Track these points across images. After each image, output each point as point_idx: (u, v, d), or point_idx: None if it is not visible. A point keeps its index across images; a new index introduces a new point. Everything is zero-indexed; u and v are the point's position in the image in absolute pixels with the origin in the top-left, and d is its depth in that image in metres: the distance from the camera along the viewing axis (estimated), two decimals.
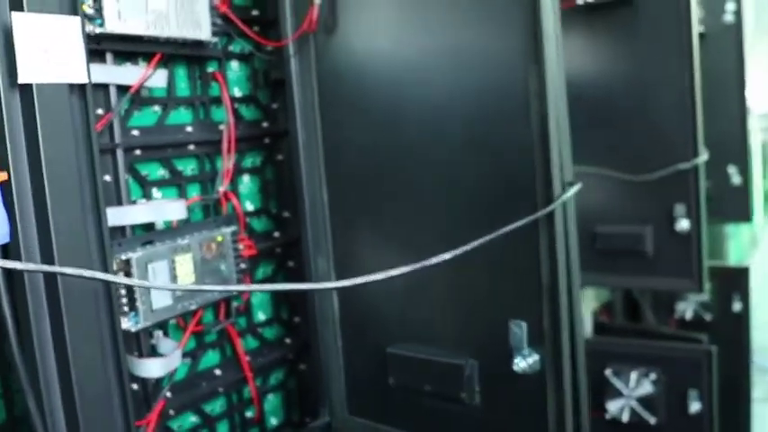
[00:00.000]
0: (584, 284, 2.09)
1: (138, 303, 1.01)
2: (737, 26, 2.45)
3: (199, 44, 1.13)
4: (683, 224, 1.86)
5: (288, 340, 1.35)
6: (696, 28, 1.77)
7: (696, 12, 1.78)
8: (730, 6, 2.43)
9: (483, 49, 1.00)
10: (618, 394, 2.05)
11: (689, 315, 2.67)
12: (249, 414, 1.29)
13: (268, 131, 1.30)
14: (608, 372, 2.04)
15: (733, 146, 2.52)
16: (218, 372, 1.22)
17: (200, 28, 1.10)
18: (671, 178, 1.85)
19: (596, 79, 1.86)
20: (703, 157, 1.84)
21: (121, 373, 0.87)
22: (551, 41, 0.93)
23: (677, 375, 2.00)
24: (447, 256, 0.87)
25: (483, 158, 1.01)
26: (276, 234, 1.33)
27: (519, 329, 0.99)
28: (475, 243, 0.90)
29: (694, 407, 1.98)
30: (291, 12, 1.17)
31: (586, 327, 2.17)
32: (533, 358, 1.00)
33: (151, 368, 1.05)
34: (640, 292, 2.43)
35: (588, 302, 2.20)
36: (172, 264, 1.06)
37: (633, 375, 2.02)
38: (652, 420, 2.01)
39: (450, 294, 1.08)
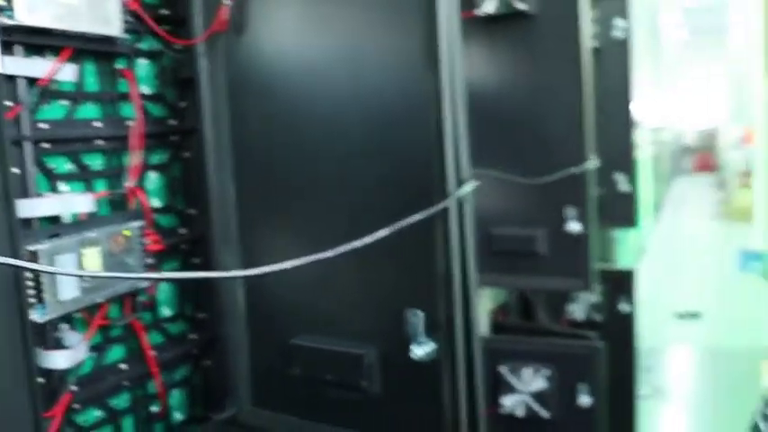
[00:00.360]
0: (480, 285, 2.18)
1: (46, 295, 1.03)
2: (626, 42, 2.61)
3: (109, 40, 1.15)
4: (574, 226, 1.97)
5: (192, 336, 1.38)
6: (588, 42, 1.89)
7: (588, 27, 1.90)
8: (620, 23, 2.58)
9: (383, 53, 1.06)
10: (512, 390, 2.14)
11: (580, 316, 2.81)
12: (154, 409, 1.31)
13: (175, 129, 1.33)
14: (503, 369, 2.14)
15: (620, 155, 2.67)
16: (123, 366, 1.24)
17: (111, 24, 1.13)
18: (563, 182, 1.97)
19: (495, 87, 1.95)
20: (592, 162, 1.96)
21: (30, 364, 0.89)
22: (448, 47, 1.00)
23: (568, 371, 2.11)
24: (329, 254, 0.92)
25: (384, 156, 1.07)
26: (182, 231, 1.36)
27: (416, 318, 1.06)
28: (366, 239, 0.96)
29: (584, 400, 2.09)
30: (201, 11, 1.21)
31: (483, 326, 2.26)
32: (430, 346, 1.07)
33: (57, 360, 1.07)
34: (534, 293, 2.54)
35: (485, 303, 2.30)
36: (79, 256, 1.08)
37: (527, 372, 2.12)
38: (545, 414, 2.12)
39: (351, 286, 1.14)
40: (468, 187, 1.04)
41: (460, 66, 1.05)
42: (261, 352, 1.27)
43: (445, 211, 1.01)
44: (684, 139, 7.38)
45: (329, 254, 0.95)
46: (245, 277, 1.25)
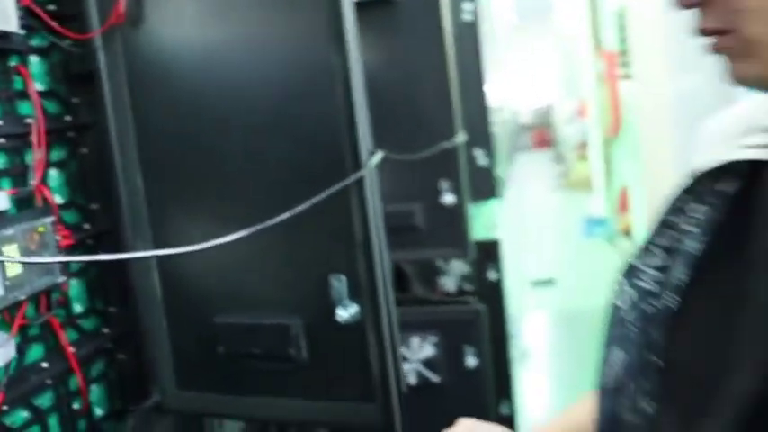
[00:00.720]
0: None
1: None
2: (474, 24, 2.78)
3: (5, 36, 1.16)
4: (449, 198, 2.11)
5: (105, 330, 1.40)
6: (449, 24, 2.03)
7: (448, 10, 2.03)
8: (467, 6, 2.74)
9: (285, 32, 1.14)
10: (403, 359, 2.25)
11: (451, 287, 2.97)
12: (76, 406, 1.33)
13: (71, 125, 1.35)
14: None
15: (478, 131, 2.84)
16: (44, 364, 1.25)
17: (9, 20, 1.14)
18: (436, 157, 2.09)
19: (370, 70, 2.04)
20: (462, 136, 2.10)
21: None
22: (351, 23, 1.09)
23: (453, 335, 2.25)
24: (244, 232, 1.00)
25: (293, 133, 1.15)
26: (86, 226, 1.37)
27: (339, 283, 1.14)
28: (282, 216, 1.04)
29: (471, 362, 2.24)
30: (96, 4, 1.23)
31: None
32: (354, 308, 1.15)
33: None
34: (408, 267, 2.67)
35: None
36: None
37: (414, 341, 2.24)
38: (435, 379, 2.25)
39: (272, 260, 1.20)
40: (378, 156, 1.13)
41: (357, 43, 1.13)
42: (183, 336, 1.31)
43: (360, 180, 1.10)
44: (521, 118, 7.77)
45: (243, 233, 1.02)
46: (161, 263, 1.29)
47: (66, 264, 1.30)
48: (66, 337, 1.30)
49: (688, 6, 0.68)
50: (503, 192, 3.38)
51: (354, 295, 1.15)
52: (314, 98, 1.13)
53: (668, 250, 0.76)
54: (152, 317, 1.32)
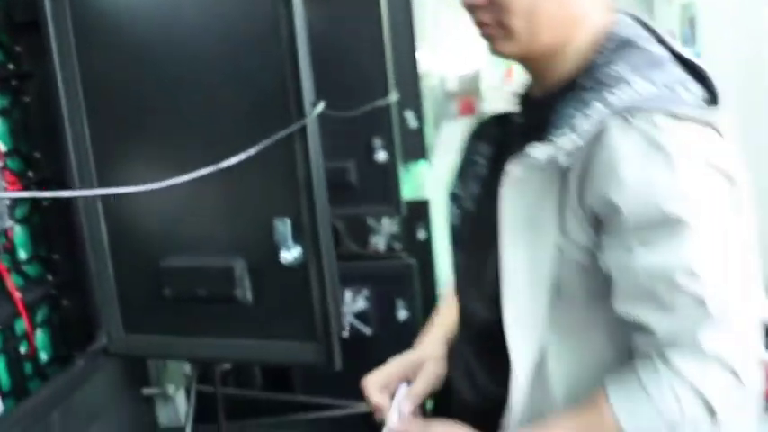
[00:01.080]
0: None
1: None
2: None
3: None
4: (381, 156, 2.19)
5: (49, 277, 1.44)
6: None
7: None
8: None
9: None
10: None
11: (382, 246, 3.06)
12: (23, 350, 1.37)
13: (14, 74, 1.38)
14: None
15: (409, 94, 2.91)
16: None
17: None
18: (369, 115, 2.17)
19: (310, 26, 2.10)
20: (394, 96, 2.18)
21: None
22: None
23: (385, 289, 2.34)
24: (186, 177, 1.07)
25: (240, 83, 1.20)
26: (30, 174, 1.41)
27: (283, 226, 1.21)
28: (226, 162, 1.12)
29: (402, 315, 2.33)
30: None
31: None
32: (297, 251, 1.22)
33: None
34: (340, 224, 2.74)
35: None
36: None
37: (348, 294, 2.32)
38: (368, 331, 2.34)
39: (218, 203, 1.27)
40: (320, 106, 1.20)
41: None
42: (128, 279, 1.36)
43: (304, 128, 1.17)
44: (448, 85, 7.86)
45: (186, 178, 1.09)
46: (107, 208, 1.33)
47: (12, 209, 1.34)
48: (12, 282, 1.34)
49: (469, 7, 1.06)
50: (431, 156, 3.48)
51: (298, 238, 1.22)
52: (260, 48, 1.19)
53: (475, 177, 1.21)
54: (98, 261, 1.36)
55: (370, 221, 3.03)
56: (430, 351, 1.29)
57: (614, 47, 1.03)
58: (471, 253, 1.19)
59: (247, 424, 1.44)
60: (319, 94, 2.19)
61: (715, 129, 0.98)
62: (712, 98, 1.01)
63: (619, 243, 0.97)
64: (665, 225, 0.93)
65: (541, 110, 1.06)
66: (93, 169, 1.33)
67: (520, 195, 1.03)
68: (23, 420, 1.18)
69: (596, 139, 0.96)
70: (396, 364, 1.30)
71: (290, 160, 1.20)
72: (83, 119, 1.32)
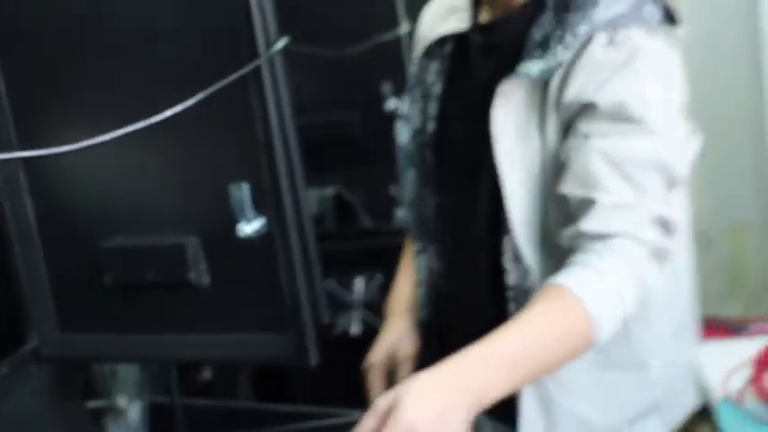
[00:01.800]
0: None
1: None
2: None
3: None
4: (391, 104, 2.28)
5: None
6: None
7: None
8: None
9: None
10: (344, 306, 2.45)
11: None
12: None
13: None
14: (330, 283, 2.44)
15: None
16: None
17: None
18: (375, 55, 2.26)
19: None
20: (405, 27, 2.26)
21: None
22: None
23: None
24: (122, 131, 1.17)
25: (185, 20, 1.30)
26: None
27: (240, 192, 1.31)
28: (166, 113, 1.22)
29: None
30: None
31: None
32: (259, 221, 1.32)
33: None
34: (352, 195, 2.84)
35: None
36: None
37: (359, 281, 2.43)
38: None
39: (162, 167, 1.38)
40: (280, 44, 1.29)
41: None
42: (63, 267, 1.47)
43: (257, 71, 1.26)
44: None
45: (116, 133, 1.19)
46: (32, 184, 1.44)
47: None
48: None
49: None
50: None
51: (259, 206, 1.31)
52: None
53: (423, 96, 1.72)
54: (26, 248, 1.48)
55: (394, 191, 3.11)
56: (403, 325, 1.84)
57: None
58: (458, 177, 1.67)
59: None
60: (308, 30, 2.30)
61: (675, 41, 1.47)
62: (668, 17, 1.48)
63: (580, 134, 1.41)
64: (626, 122, 1.38)
65: (503, 29, 1.58)
66: (13, 132, 1.43)
67: (510, 112, 1.47)
68: None
69: (580, 51, 1.42)
70: (389, 343, 1.80)
71: (245, 111, 1.29)
72: None
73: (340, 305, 2.47)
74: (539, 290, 1.38)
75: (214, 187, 1.33)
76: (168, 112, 1.19)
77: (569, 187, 1.41)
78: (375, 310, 2.43)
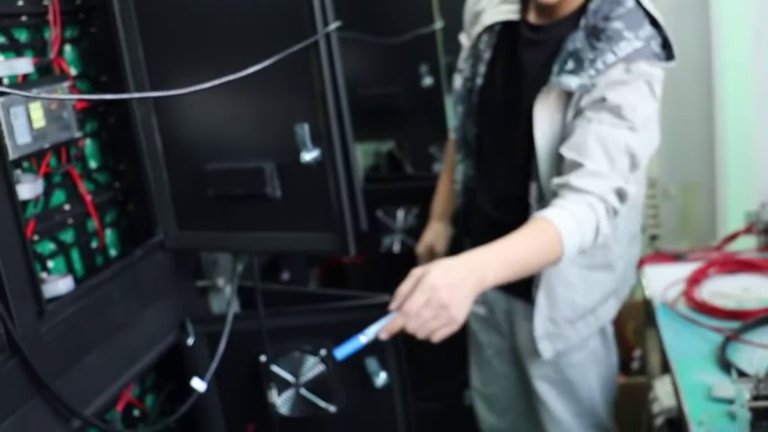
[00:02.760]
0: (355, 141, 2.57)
1: (7, 140, 1.33)
2: None
3: None
4: (427, 81, 2.37)
5: (117, 184, 1.71)
6: None
7: None
8: None
9: None
10: (389, 231, 2.55)
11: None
12: (94, 244, 1.64)
13: (81, 6, 1.62)
14: (379, 213, 2.54)
15: None
16: (66, 207, 1.56)
17: None
18: (415, 43, 2.35)
19: None
20: (439, 23, 2.34)
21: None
22: None
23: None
24: (216, 82, 1.29)
25: (266, 5, 1.42)
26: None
27: (302, 130, 1.42)
28: (250, 69, 1.34)
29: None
30: None
31: (359, 178, 2.66)
32: (316, 152, 1.44)
33: (23, 191, 1.38)
34: (400, 152, 2.95)
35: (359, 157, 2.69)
36: (27, 110, 1.38)
37: (400, 212, 2.53)
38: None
39: (247, 111, 1.50)
40: (332, 26, 1.40)
41: None
42: (180, 183, 1.61)
43: (316, 44, 1.37)
44: None
45: (208, 84, 1.31)
46: (160, 122, 1.57)
47: (83, 123, 1.59)
48: (84, 186, 1.60)
49: None
50: None
51: (316, 140, 1.43)
52: None
53: (474, 57, 1.91)
54: (155, 167, 1.62)
55: (433, 149, 3.20)
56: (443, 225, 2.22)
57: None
58: (492, 121, 1.90)
59: (282, 311, 1.67)
60: (368, 23, 2.39)
61: (666, 70, 1.67)
62: (668, 49, 1.66)
63: (585, 117, 1.63)
64: (620, 119, 1.61)
65: (547, 33, 1.75)
66: (148, 85, 1.57)
67: (546, 104, 1.69)
68: (89, 294, 1.44)
69: (605, 73, 1.62)
70: (428, 240, 2.21)
71: (307, 73, 1.40)
72: (138, 46, 1.56)
73: (387, 230, 2.57)
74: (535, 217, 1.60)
75: (285, 126, 1.44)
76: (249, 70, 1.31)
77: (567, 151, 1.63)
78: (412, 234, 2.54)
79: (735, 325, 1.92)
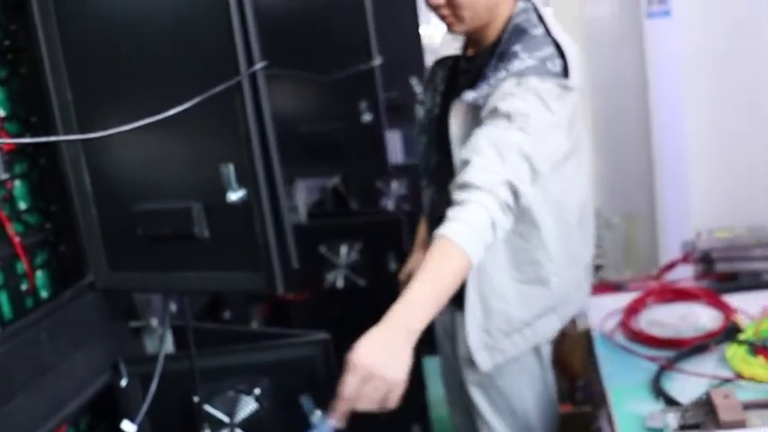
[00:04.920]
0: (296, 177, 2.58)
1: None
2: None
3: None
4: (367, 117, 2.39)
5: (48, 225, 1.70)
6: None
7: None
8: None
9: None
10: (332, 266, 2.56)
11: (391, 207, 3.26)
12: (24, 287, 1.62)
13: (10, 48, 1.62)
14: (322, 248, 2.55)
15: (413, 60, 3.10)
16: None
17: None
18: (355, 80, 2.38)
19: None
20: (378, 60, 2.38)
21: None
22: None
23: (377, 242, 2.54)
24: (128, 127, 1.30)
25: (189, 45, 1.43)
26: (26, 136, 1.66)
27: (227, 170, 1.43)
28: (173, 110, 1.35)
29: (392, 266, 2.54)
30: None
31: (302, 214, 2.67)
32: (241, 192, 1.44)
33: None
34: (344, 188, 2.96)
35: (302, 196, 2.70)
36: None
37: (343, 248, 2.54)
38: (361, 282, 2.55)
39: (175, 151, 1.50)
40: (261, 65, 1.41)
41: None
42: (110, 224, 1.60)
43: (239, 83, 1.39)
44: None
45: (131, 126, 1.33)
46: (90, 162, 1.57)
47: (11, 164, 1.59)
48: (12, 228, 1.60)
49: (432, 7, 1.81)
50: None
51: (241, 180, 1.44)
52: (208, 19, 1.41)
53: (433, 90, 2.05)
54: (84, 207, 1.61)
55: (380, 184, 3.23)
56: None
57: (512, 29, 1.81)
58: (452, 158, 1.87)
59: (215, 350, 1.67)
60: (309, 61, 2.42)
61: (565, 88, 1.74)
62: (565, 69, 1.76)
63: (483, 124, 1.72)
64: (511, 123, 1.67)
65: (474, 62, 1.92)
66: (76, 126, 1.57)
67: (458, 117, 1.83)
68: (15, 337, 1.43)
69: (498, 86, 1.73)
70: (410, 267, 2.24)
71: (232, 113, 1.42)
72: (65, 86, 1.56)
73: (330, 265, 2.58)
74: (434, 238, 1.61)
75: (211, 166, 1.44)
76: (169, 112, 1.33)
77: (463, 153, 1.72)
78: (355, 270, 2.55)
79: (670, 354, 1.95)
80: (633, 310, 2.19)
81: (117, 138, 1.50)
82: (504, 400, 2.04)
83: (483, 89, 1.75)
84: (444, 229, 1.59)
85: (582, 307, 2.16)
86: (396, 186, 3.24)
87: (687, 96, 2.50)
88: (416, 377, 2.56)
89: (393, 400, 1.45)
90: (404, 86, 3.02)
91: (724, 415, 1.44)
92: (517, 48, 1.76)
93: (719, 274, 2.38)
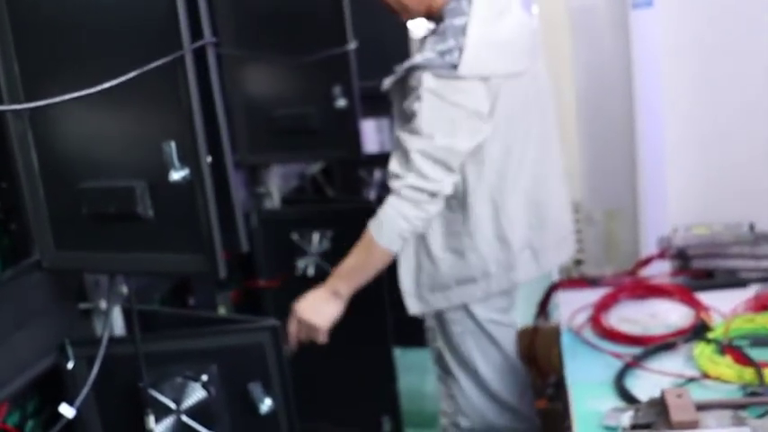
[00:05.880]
0: (268, 162, 2.54)
1: None
2: None
3: None
4: (341, 102, 2.34)
5: None
6: None
7: None
8: None
9: None
10: (303, 253, 2.51)
11: (373, 197, 3.21)
12: None
13: None
14: (294, 236, 2.50)
15: (398, 49, 3.05)
16: None
17: None
18: (329, 64, 2.33)
19: None
20: (353, 44, 2.33)
21: None
22: None
23: (348, 232, 2.48)
24: (67, 97, 1.29)
25: (132, 19, 1.38)
26: None
27: (169, 148, 1.38)
28: (114, 81, 1.33)
29: None
30: None
31: (275, 201, 2.63)
32: (184, 171, 1.40)
33: None
34: (322, 176, 2.91)
35: (276, 182, 2.66)
36: None
37: (315, 236, 2.50)
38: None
39: (117, 128, 1.44)
40: (206, 41, 1.36)
41: None
42: (57, 202, 1.54)
43: (182, 58, 1.34)
44: None
45: (72, 96, 1.34)
46: (37, 140, 1.53)
47: None
48: None
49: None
50: None
51: (184, 160, 1.39)
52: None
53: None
54: (32, 186, 1.56)
55: (362, 173, 3.18)
56: None
57: (438, 18, 2.00)
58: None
59: (162, 335, 1.63)
60: (283, 43, 2.37)
61: (458, 78, 1.91)
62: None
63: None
64: (413, 123, 1.96)
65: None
66: (23, 99, 1.51)
67: (396, 102, 2.11)
68: None
69: (406, 75, 2.02)
70: None
71: (175, 89, 1.37)
72: (12, 59, 1.51)
73: (302, 253, 2.54)
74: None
75: (155, 144, 1.39)
76: (107, 84, 1.28)
77: (393, 139, 2.13)
78: (327, 258, 2.50)
79: (637, 351, 1.90)
80: (604, 305, 2.13)
81: (64, 113, 1.47)
82: (458, 355, 2.24)
83: (393, 77, 2.06)
84: (370, 223, 2.03)
85: (514, 285, 2.22)
86: (379, 175, 3.19)
87: (667, 91, 2.45)
88: (387, 370, 2.53)
89: (319, 338, 2.12)
90: (388, 75, 2.96)
91: (676, 415, 1.39)
92: (429, 38, 1.99)
93: (695, 270, 2.33)
